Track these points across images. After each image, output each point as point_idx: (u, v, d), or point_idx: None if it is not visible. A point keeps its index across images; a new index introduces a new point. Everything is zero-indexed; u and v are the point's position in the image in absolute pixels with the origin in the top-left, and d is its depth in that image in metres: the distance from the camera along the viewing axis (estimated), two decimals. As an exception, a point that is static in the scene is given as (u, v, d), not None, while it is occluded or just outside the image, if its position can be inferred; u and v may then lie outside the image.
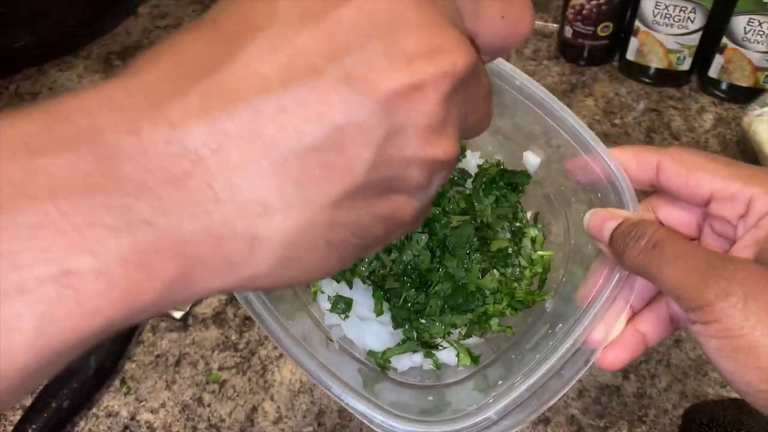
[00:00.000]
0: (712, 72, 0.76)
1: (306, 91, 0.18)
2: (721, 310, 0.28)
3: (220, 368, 0.56)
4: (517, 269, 0.46)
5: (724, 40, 0.72)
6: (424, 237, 0.45)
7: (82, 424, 0.53)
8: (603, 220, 0.35)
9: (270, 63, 0.18)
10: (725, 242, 0.35)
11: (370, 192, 0.21)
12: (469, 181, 0.50)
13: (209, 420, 0.53)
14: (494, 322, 0.45)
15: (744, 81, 0.75)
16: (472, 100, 0.23)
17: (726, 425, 0.48)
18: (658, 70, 0.78)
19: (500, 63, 0.40)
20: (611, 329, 0.35)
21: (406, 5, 0.19)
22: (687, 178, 0.34)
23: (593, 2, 0.76)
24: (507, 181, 0.49)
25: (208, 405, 0.54)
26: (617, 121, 0.76)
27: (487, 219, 0.47)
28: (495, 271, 0.45)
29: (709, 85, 0.78)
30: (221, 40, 0.19)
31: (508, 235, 0.47)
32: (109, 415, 0.54)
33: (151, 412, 0.54)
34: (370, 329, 0.46)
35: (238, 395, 0.55)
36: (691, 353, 0.56)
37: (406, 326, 0.45)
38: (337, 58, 0.19)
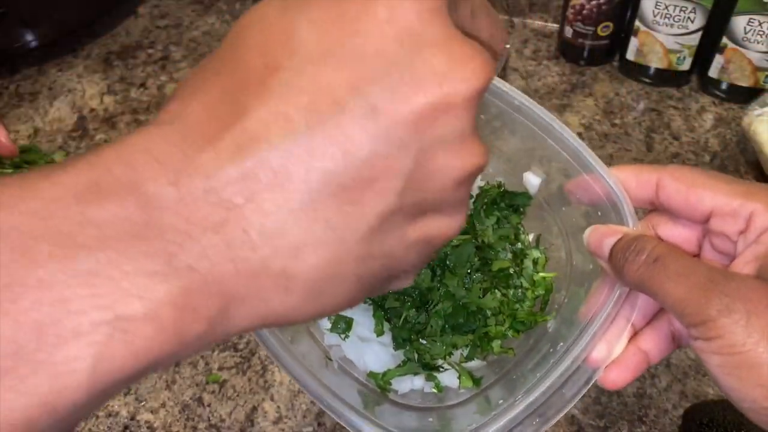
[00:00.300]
0: (712, 72, 0.76)
1: (331, 129, 0.18)
2: (724, 326, 0.28)
3: (220, 368, 0.56)
4: (519, 290, 0.46)
5: (724, 40, 0.72)
6: None
7: (82, 423, 0.53)
8: (603, 236, 0.35)
9: (294, 104, 0.18)
10: (725, 258, 0.35)
11: (401, 221, 0.21)
12: (470, 201, 0.50)
13: (209, 420, 0.53)
14: (496, 344, 0.44)
15: (744, 81, 0.75)
16: None
17: (726, 425, 0.47)
18: (658, 70, 0.78)
19: (498, 83, 0.41)
20: (613, 348, 0.35)
21: (429, 21, 0.19)
22: (687, 194, 0.34)
23: (593, 2, 0.76)
24: (508, 202, 0.49)
25: (208, 405, 0.54)
26: (617, 121, 0.76)
27: (488, 239, 0.47)
28: (496, 291, 0.45)
29: (709, 85, 0.78)
30: (244, 82, 0.19)
31: (510, 256, 0.47)
32: (109, 415, 0.54)
33: (151, 412, 0.54)
34: (371, 350, 0.46)
35: (238, 395, 0.55)
36: (691, 353, 0.56)
37: (407, 347, 0.44)
38: (361, 90, 0.19)
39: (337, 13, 0.19)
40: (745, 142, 0.72)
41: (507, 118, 0.42)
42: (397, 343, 0.45)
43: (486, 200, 0.49)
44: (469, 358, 0.45)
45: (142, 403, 0.54)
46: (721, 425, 0.48)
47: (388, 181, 0.20)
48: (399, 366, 0.45)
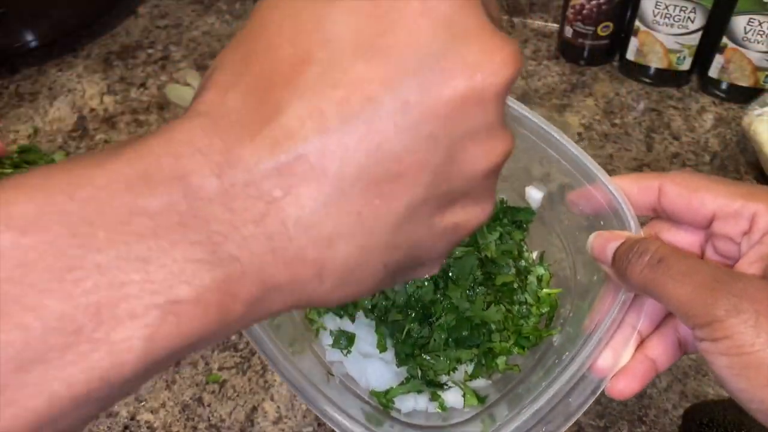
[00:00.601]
0: (712, 72, 0.76)
1: (363, 124, 0.19)
2: (732, 326, 0.27)
3: (220, 368, 0.56)
4: (524, 306, 0.46)
5: (724, 40, 0.72)
6: None
7: (82, 424, 0.53)
8: (606, 241, 0.35)
9: (328, 99, 0.19)
10: (728, 262, 0.34)
11: (429, 212, 0.22)
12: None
13: (209, 420, 0.53)
14: (501, 360, 0.44)
15: (744, 81, 0.75)
16: None
17: (726, 425, 0.47)
18: (658, 70, 0.78)
19: None
20: (619, 356, 0.35)
21: (462, 13, 0.20)
22: (689, 198, 0.34)
23: (593, 2, 0.76)
24: (511, 218, 0.49)
25: (208, 405, 0.54)
26: (617, 121, 0.76)
27: (491, 254, 0.47)
28: (500, 305, 0.44)
29: (709, 85, 0.78)
30: (277, 72, 0.19)
31: (513, 271, 0.47)
32: (109, 415, 0.54)
33: (151, 412, 0.54)
34: (373, 367, 0.45)
35: (238, 395, 0.55)
36: (691, 354, 0.56)
37: (410, 363, 0.44)
38: (393, 85, 0.19)
39: (368, 4, 0.19)
40: (745, 142, 0.72)
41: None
42: (400, 359, 0.44)
43: None
44: (473, 377, 0.44)
45: (142, 403, 0.54)
46: (721, 425, 0.48)
47: (417, 174, 0.20)
48: (402, 383, 0.44)
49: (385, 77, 0.19)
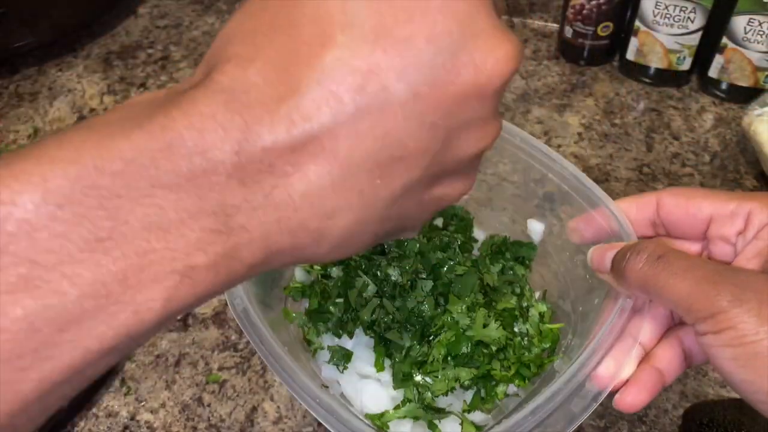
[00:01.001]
0: (712, 72, 0.76)
1: (376, 112, 0.20)
2: (736, 315, 0.27)
3: (220, 368, 0.56)
4: (525, 338, 0.45)
5: (724, 40, 0.72)
6: (429, 283, 0.45)
7: (82, 424, 0.53)
8: (604, 251, 0.36)
9: (346, 85, 0.20)
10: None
11: (420, 188, 0.24)
12: (476, 247, 0.51)
13: (209, 420, 0.53)
14: (500, 390, 0.43)
15: (744, 81, 0.75)
16: None
17: (726, 425, 0.47)
18: (658, 70, 0.78)
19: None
20: (621, 366, 0.35)
21: (478, 11, 0.21)
22: (687, 206, 0.35)
23: (593, 2, 0.76)
24: (513, 253, 0.49)
25: (208, 405, 0.54)
26: (617, 121, 0.76)
27: (493, 283, 0.47)
28: (500, 323, 0.44)
29: (709, 85, 0.78)
30: (299, 51, 0.20)
31: (515, 299, 0.47)
32: (109, 415, 0.54)
33: (151, 412, 0.54)
34: (368, 389, 0.45)
35: (238, 395, 0.55)
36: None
37: (408, 383, 0.43)
38: (407, 76, 0.20)
39: None
40: (745, 142, 0.72)
41: (507, 154, 0.43)
42: (397, 380, 0.43)
43: (492, 247, 0.50)
44: (472, 407, 0.43)
45: (142, 403, 0.54)
46: (721, 425, 0.48)
47: (417, 159, 0.22)
48: (398, 407, 0.43)
49: (401, 68, 0.20)
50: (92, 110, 0.80)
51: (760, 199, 0.33)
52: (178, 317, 0.21)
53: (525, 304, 0.48)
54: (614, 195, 0.68)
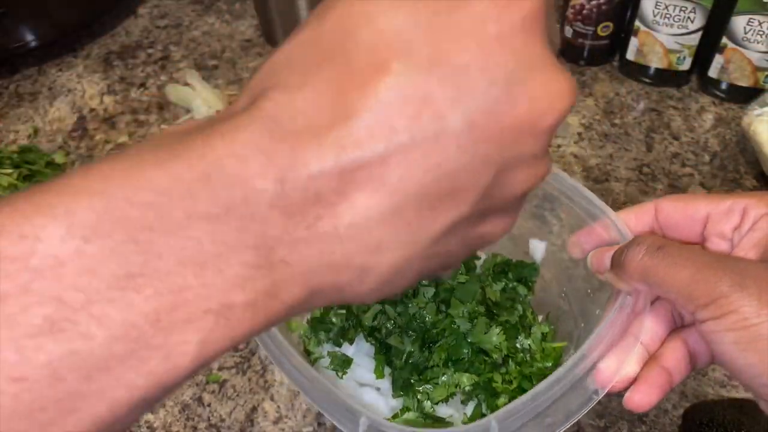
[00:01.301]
0: (712, 72, 0.76)
1: (431, 142, 0.19)
2: (738, 299, 0.28)
3: (220, 368, 0.56)
4: (527, 354, 0.45)
5: (724, 40, 0.72)
6: (431, 290, 0.45)
7: (82, 424, 0.53)
8: (603, 252, 0.37)
9: (399, 113, 0.19)
10: None
11: (468, 224, 0.22)
12: (479, 265, 0.51)
13: (209, 420, 0.53)
14: (502, 402, 0.43)
15: (744, 81, 0.75)
16: None
17: (726, 425, 0.47)
18: (658, 70, 0.78)
19: None
20: (622, 364, 0.35)
21: (533, 42, 0.21)
22: (684, 209, 0.36)
23: (593, 2, 0.76)
24: (515, 274, 0.49)
25: (208, 405, 0.54)
26: (617, 121, 0.76)
27: (495, 299, 0.47)
28: (500, 328, 0.44)
29: (709, 85, 0.78)
30: (352, 79, 0.19)
31: (517, 315, 0.47)
32: (109, 415, 0.54)
33: (151, 412, 0.54)
34: (368, 396, 0.45)
35: (238, 395, 0.55)
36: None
37: (407, 391, 0.43)
38: (462, 106, 0.19)
39: (447, 21, 0.20)
40: (745, 142, 0.72)
41: None
42: (397, 388, 0.43)
43: (494, 267, 0.50)
44: (473, 420, 0.43)
45: (142, 403, 0.54)
46: (721, 425, 0.48)
47: (467, 193, 0.21)
48: (396, 415, 0.43)
49: (456, 97, 0.19)
50: (92, 110, 0.80)
51: (757, 196, 0.34)
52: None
53: (527, 324, 0.48)
54: (614, 195, 0.68)
